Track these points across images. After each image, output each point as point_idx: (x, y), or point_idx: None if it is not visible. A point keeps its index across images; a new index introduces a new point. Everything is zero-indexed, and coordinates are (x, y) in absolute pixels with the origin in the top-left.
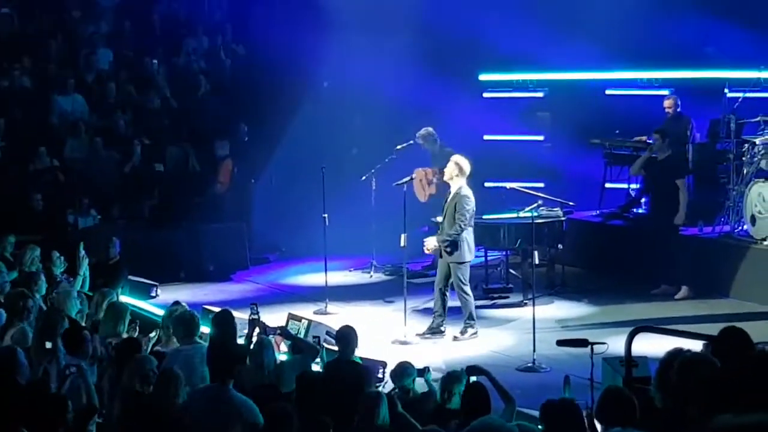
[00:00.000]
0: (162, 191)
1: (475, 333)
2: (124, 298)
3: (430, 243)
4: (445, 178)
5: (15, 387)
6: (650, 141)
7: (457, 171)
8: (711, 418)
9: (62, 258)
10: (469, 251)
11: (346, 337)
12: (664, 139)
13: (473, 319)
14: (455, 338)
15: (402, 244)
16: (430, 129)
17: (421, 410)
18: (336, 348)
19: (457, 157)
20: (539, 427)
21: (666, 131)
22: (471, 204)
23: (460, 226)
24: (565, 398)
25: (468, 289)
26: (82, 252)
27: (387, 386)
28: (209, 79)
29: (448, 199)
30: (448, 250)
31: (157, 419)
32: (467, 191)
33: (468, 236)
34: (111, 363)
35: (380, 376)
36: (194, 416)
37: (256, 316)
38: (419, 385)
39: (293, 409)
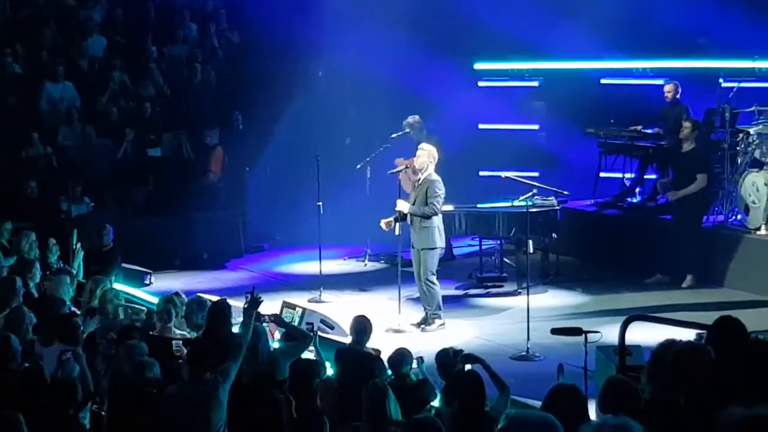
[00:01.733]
0: (156, 179)
1: (443, 324)
2: (118, 286)
3: (401, 205)
4: (418, 166)
5: (8, 373)
6: (647, 130)
7: (430, 159)
8: (702, 409)
9: (57, 245)
10: (440, 237)
11: (362, 327)
12: (693, 130)
13: (440, 309)
14: (422, 329)
15: (396, 232)
16: (417, 117)
17: (417, 398)
18: (330, 336)
19: (427, 146)
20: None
21: (697, 122)
22: (443, 189)
23: (434, 207)
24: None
25: (435, 278)
26: (77, 242)
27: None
28: (204, 67)
29: (417, 186)
30: (423, 225)
31: (140, 405)
32: (437, 177)
33: (439, 223)
34: (107, 349)
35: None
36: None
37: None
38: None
39: (284, 398)
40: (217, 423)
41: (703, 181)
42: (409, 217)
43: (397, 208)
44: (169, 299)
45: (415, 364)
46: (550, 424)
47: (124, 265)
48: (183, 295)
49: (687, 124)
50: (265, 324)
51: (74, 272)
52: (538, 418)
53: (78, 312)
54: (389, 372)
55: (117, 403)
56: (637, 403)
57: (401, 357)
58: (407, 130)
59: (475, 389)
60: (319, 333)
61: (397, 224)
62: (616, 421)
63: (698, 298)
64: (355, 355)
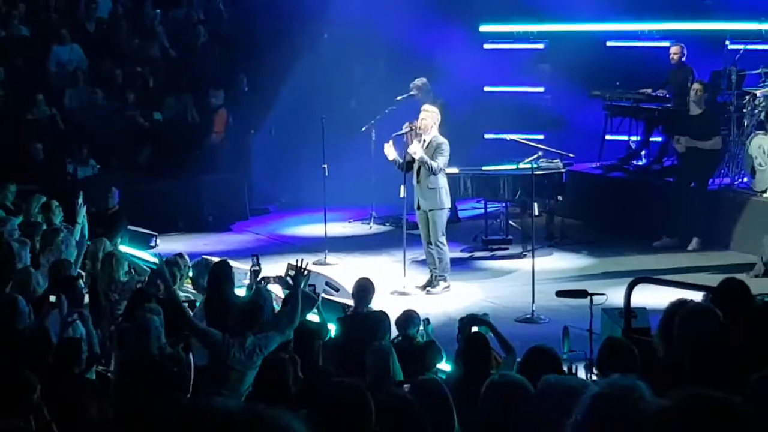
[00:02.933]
0: (161, 142)
1: (448, 287)
2: (124, 248)
3: (415, 147)
4: (423, 128)
5: (14, 334)
6: (655, 93)
7: (434, 120)
8: (706, 371)
9: (60, 207)
10: (447, 198)
11: (365, 289)
12: (704, 92)
13: (447, 271)
14: (427, 292)
15: (402, 194)
16: (425, 79)
17: (423, 359)
18: (335, 298)
19: (431, 107)
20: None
21: (707, 84)
22: (448, 151)
23: (441, 166)
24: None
25: (444, 239)
26: (81, 201)
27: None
28: (208, 29)
29: (424, 147)
30: (430, 186)
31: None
32: (444, 139)
33: (445, 184)
34: (109, 310)
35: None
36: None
37: (257, 268)
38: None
39: (288, 358)
40: (241, 387)
41: (718, 143)
42: (414, 177)
43: (410, 150)
44: (173, 261)
45: (421, 326)
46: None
47: (129, 227)
48: (186, 257)
49: (697, 86)
50: (269, 285)
51: (77, 230)
52: (578, 382)
53: (81, 273)
54: (395, 333)
55: (129, 370)
56: (635, 364)
57: (409, 318)
58: (414, 92)
59: (480, 350)
60: (323, 295)
61: (402, 186)
62: (623, 381)
63: (704, 261)
64: (358, 317)
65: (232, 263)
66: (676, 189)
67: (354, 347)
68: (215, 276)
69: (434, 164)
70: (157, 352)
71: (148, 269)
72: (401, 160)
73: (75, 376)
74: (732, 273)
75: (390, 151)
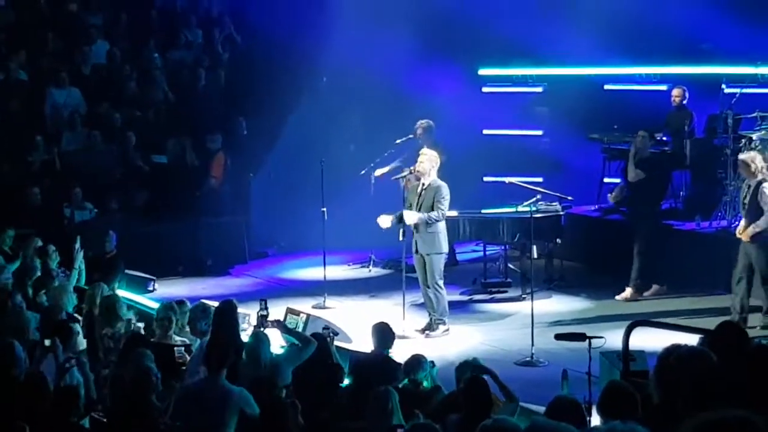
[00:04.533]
0: (160, 185)
1: (447, 330)
2: (121, 292)
3: (410, 217)
4: (422, 171)
5: (11, 381)
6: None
7: (432, 164)
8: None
9: (57, 251)
10: (445, 241)
11: (383, 332)
12: (651, 138)
13: (446, 315)
14: (427, 335)
15: (400, 238)
16: (431, 122)
17: (429, 405)
18: (336, 343)
19: (429, 151)
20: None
21: (652, 131)
22: (449, 195)
23: (441, 212)
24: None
25: (442, 283)
26: (78, 245)
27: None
28: (208, 72)
29: (422, 192)
30: (429, 231)
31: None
32: (443, 182)
33: (443, 228)
34: (108, 356)
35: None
36: (184, 407)
37: (265, 312)
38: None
39: (290, 403)
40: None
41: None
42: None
43: (407, 222)
44: (169, 306)
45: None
46: None
47: (127, 271)
48: (188, 303)
49: (642, 133)
50: (268, 330)
51: (74, 275)
52: (627, 429)
53: (79, 318)
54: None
55: (118, 412)
56: (636, 408)
57: (417, 363)
58: (419, 132)
59: (481, 395)
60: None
61: (401, 230)
62: (623, 427)
63: (702, 304)
64: (379, 361)
65: None
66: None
67: (363, 390)
68: (220, 313)
69: (434, 215)
70: (153, 399)
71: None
72: (396, 221)
73: (72, 425)
74: (728, 316)
75: (384, 222)
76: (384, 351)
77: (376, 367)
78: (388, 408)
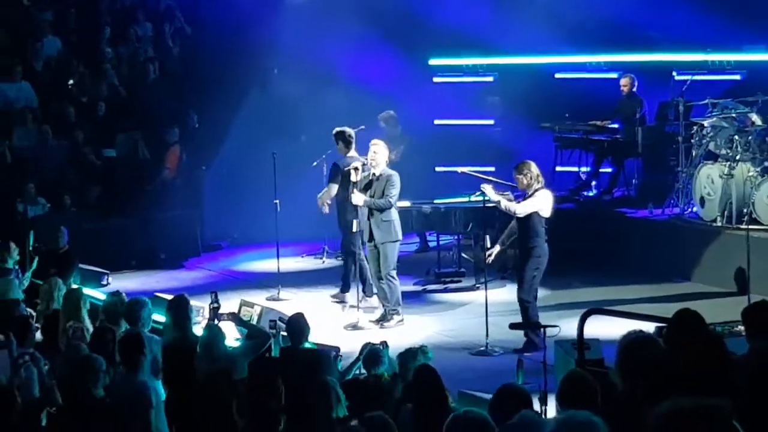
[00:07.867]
0: (112, 179)
1: (402, 320)
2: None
3: (358, 198)
4: (379, 161)
5: None
6: (613, 125)
7: (384, 154)
8: (654, 401)
9: (17, 249)
10: (399, 229)
11: (297, 324)
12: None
13: (399, 305)
14: (381, 326)
15: (354, 229)
16: (392, 112)
17: (390, 397)
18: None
19: (380, 141)
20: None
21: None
22: (399, 183)
23: (390, 200)
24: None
25: (395, 273)
26: (34, 244)
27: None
28: (157, 65)
29: (374, 181)
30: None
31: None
32: (393, 171)
33: (396, 216)
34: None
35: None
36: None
37: (216, 305)
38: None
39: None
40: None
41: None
42: (366, 212)
43: (353, 202)
44: (116, 295)
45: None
46: (594, 423)
47: (81, 265)
48: (123, 294)
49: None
50: (222, 322)
51: (29, 273)
52: (583, 418)
53: (33, 314)
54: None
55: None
56: (595, 398)
57: (376, 357)
58: (382, 124)
59: (433, 383)
60: (282, 333)
61: (355, 221)
62: (581, 416)
63: (657, 292)
64: (297, 354)
65: None
66: None
67: (296, 383)
68: (175, 309)
69: (382, 202)
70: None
71: None
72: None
73: (13, 425)
74: (683, 302)
75: (359, 200)
76: (299, 346)
77: (296, 360)
78: (331, 399)
